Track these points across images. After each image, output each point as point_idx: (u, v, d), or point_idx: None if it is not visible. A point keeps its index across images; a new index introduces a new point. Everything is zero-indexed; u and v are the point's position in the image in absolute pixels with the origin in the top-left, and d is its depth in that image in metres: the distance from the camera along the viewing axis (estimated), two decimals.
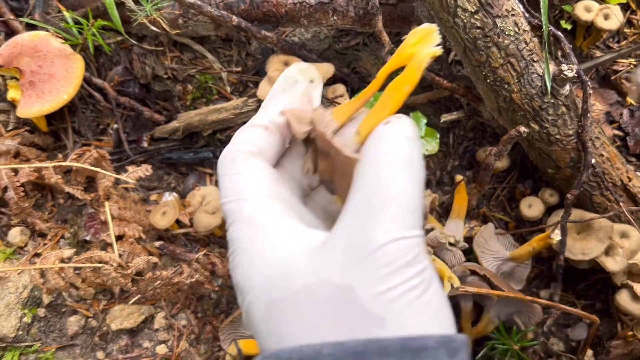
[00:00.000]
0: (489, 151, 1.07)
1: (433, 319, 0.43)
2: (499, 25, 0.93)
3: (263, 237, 0.47)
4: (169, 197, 1.12)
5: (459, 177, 1.12)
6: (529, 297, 0.95)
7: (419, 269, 0.44)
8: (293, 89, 0.58)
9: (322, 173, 0.58)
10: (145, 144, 1.12)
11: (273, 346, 0.44)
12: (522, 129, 0.99)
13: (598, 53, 1.21)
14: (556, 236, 0.98)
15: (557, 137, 1.00)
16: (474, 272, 1.00)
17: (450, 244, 1.00)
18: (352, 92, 1.15)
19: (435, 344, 0.41)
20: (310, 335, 0.42)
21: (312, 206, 0.60)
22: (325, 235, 0.47)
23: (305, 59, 1.11)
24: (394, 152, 0.47)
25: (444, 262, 1.00)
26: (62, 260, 0.85)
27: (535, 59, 0.96)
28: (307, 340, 0.42)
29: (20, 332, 0.94)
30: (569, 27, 1.17)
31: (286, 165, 0.58)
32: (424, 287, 0.43)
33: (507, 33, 0.94)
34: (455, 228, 1.06)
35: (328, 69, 1.11)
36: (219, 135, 1.15)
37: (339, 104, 1.07)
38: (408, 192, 0.45)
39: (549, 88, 0.96)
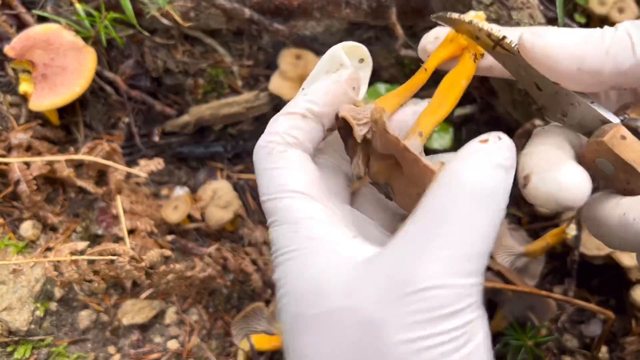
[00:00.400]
0: None
1: None
2: (514, 17, 0.93)
3: (304, 245, 0.44)
4: (180, 191, 1.11)
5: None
6: (544, 292, 0.94)
7: (462, 321, 0.39)
8: (338, 72, 0.53)
9: (376, 175, 0.52)
10: (156, 138, 1.11)
11: None
12: (537, 122, 0.98)
13: None
14: (571, 230, 0.97)
15: None
16: (488, 268, 1.00)
17: None
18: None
19: None
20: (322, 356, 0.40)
21: (362, 197, 0.56)
22: (368, 253, 0.43)
23: (318, 53, 1.11)
24: (481, 183, 0.41)
25: None
26: (76, 253, 0.85)
27: None
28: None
29: (32, 326, 0.94)
30: (582, 20, 1.16)
31: (328, 152, 0.54)
32: (464, 340, 0.39)
33: (522, 25, 0.94)
34: None
35: None
36: (231, 130, 1.14)
37: None
38: (478, 234, 0.40)
39: None
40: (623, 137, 0.47)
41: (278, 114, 0.51)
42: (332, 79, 0.52)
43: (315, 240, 0.44)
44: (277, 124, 0.49)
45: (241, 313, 1.01)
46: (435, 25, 0.66)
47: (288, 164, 0.47)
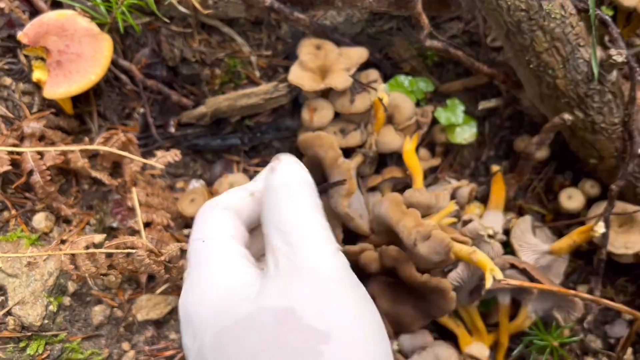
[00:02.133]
0: (529, 140, 1.03)
1: (373, 331, 0.46)
2: (544, 7, 0.90)
3: (213, 272, 0.50)
4: (196, 184, 1.09)
5: (495, 168, 1.09)
6: (572, 291, 0.91)
7: (349, 281, 0.47)
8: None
9: None
10: (172, 129, 1.08)
11: None
12: (567, 116, 0.95)
13: (638, 41, 1.17)
14: (600, 228, 0.94)
15: (602, 125, 0.96)
16: (513, 266, 0.97)
17: (489, 235, 0.96)
18: (385, 77, 1.12)
19: None
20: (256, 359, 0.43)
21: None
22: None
23: (338, 43, 1.08)
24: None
25: None
26: (92, 246, 0.82)
27: (581, 44, 0.92)
28: None
29: (46, 321, 0.91)
30: (610, 13, 1.13)
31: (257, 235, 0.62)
32: (355, 296, 0.46)
33: (553, 16, 0.91)
34: (493, 219, 1.02)
35: (362, 53, 1.07)
36: (248, 122, 1.11)
37: (374, 89, 1.03)
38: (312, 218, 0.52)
39: (595, 74, 0.92)
40: None
41: (234, 187, 0.63)
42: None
43: (224, 265, 0.52)
44: (227, 193, 0.61)
45: None
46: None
47: (220, 218, 0.56)
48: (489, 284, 0.79)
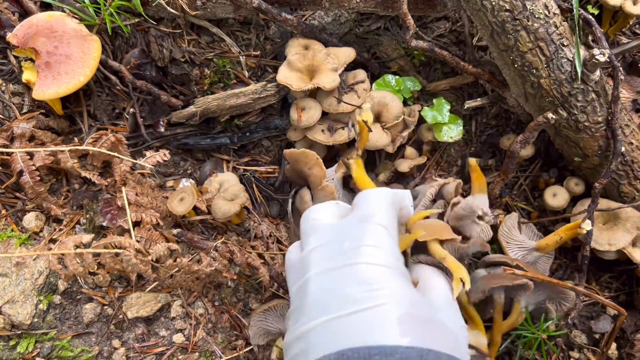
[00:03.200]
0: (514, 139, 1.04)
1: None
2: (528, 7, 0.91)
3: (397, 281, 0.67)
4: (186, 183, 1.10)
5: (472, 161, 1.08)
6: (569, 284, 0.93)
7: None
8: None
9: None
10: (162, 129, 1.09)
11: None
12: (550, 115, 0.96)
13: (624, 39, 1.18)
14: (587, 225, 0.95)
15: (586, 124, 0.98)
16: (504, 264, 0.98)
17: (479, 217, 0.98)
18: (373, 77, 1.13)
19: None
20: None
21: None
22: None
23: (326, 43, 1.08)
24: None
25: (472, 236, 0.97)
26: (81, 246, 0.83)
27: (565, 43, 0.93)
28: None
29: (35, 319, 0.92)
30: (595, 12, 1.14)
31: None
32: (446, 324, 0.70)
33: (536, 16, 0.92)
34: (481, 201, 1.03)
35: (349, 53, 1.08)
36: (237, 121, 1.12)
37: (359, 107, 1.05)
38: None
39: (579, 73, 0.93)
40: None
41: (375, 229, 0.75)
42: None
43: (400, 277, 0.70)
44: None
45: (263, 306, 0.99)
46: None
47: (387, 240, 0.74)
48: (456, 291, 0.79)
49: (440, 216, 1.02)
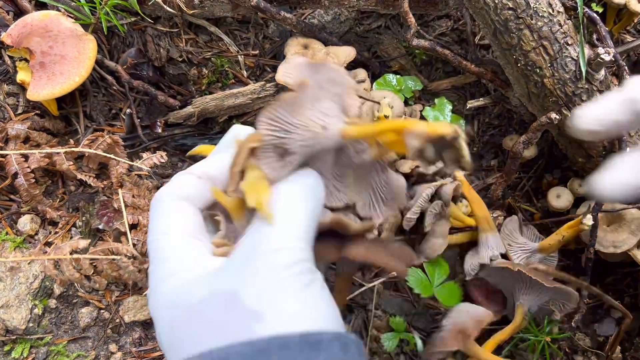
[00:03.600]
0: (517, 139, 1.03)
1: (315, 316, 0.47)
2: (532, 5, 0.89)
3: (174, 267, 0.51)
4: None
5: (459, 176, 1.01)
6: (585, 283, 0.91)
7: (298, 269, 0.48)
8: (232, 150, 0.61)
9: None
10: (159, 130, 1.07)
11: (174, 358, 0.48)
12: (554, 115, 0.94)
13: (629, 38, 1.16)
14: (588, 221, 0.94)
15: None
16: (504, 268, 0.96)
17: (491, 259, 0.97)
18: (373, 76, 1.11)
19: (329, 338, 0.46)
20: (198, 344, 0.46)
21: None
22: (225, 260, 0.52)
23: (325, 42, 1.07)
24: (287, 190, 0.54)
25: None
26: (77, 251, 0.81)
27: (569, 42, 0.92)
28: (194, 350, 0.46)
29: (31, 324, 0.91)
30: (599, 10, 1.13)
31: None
32: (301, 285, 0.48)
33: (540, 14, 0.90)
34: (494, 241, 1.01)
35: (349, 52, 1.07)
36: (235, 121, 1.10)
37: (377, 103, 1.03)
38: (291, 211, 0.52)
39: (583, 72, 0.92)
40: None
41: (179, 172, 0.59)
42: (228, 154, 0.61)
43: (184, 258, 0.52)
44: (175, 180, 0.57)
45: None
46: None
47: (174, 211, 0.55)
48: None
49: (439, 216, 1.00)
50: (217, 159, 0.60)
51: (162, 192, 0.57)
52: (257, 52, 1.10)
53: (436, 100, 1.08)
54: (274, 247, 0.49)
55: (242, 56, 1.10)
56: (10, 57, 1.00)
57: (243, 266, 0.48)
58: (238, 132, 0.63)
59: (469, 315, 0.94)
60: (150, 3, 1.00)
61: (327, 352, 0.45)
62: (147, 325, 1.00)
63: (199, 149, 0.77)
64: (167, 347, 0.50)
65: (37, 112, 1.00)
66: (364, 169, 0.64)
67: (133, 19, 1.04)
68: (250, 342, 0.44)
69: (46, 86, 0.91)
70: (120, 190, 0.96)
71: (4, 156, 0.92)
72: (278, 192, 0.54)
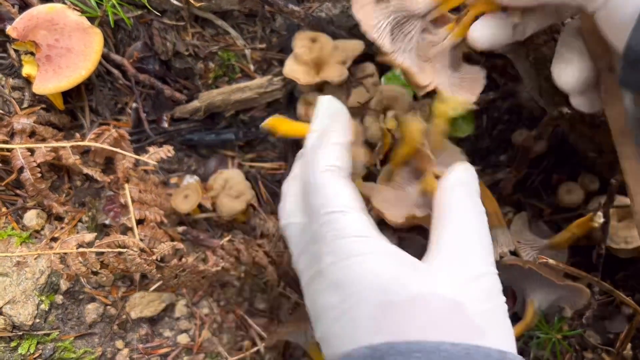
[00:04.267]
0: (527, 134, 1.02)
1: (509, 337, 0.54)
2: None
3: (373, 247, 0.53)
4: (190, 180, 1.07)
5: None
6: (596, 278, 0.90)
7: (504, 298, 0.56)
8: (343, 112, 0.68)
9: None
10: (165, 124, 1.06)
11: (379, 341, 0.49)
12: (565, 110, 0.93)
13: None
14: (599, 218, 0.93)
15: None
16: (514, 265, 0.95)
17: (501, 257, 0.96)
18: (382, 71, 1.10)
19: (513, 357, 0.51)
20: (424, 335, 0.49)
21: None
22: (421, 260, 0.56)
23: (333, 36, 1.06)
24: (466, 199, 0.61)
25: None
26: (83, 245, 0.80)
27: None
28: (421, 338, 0.49)
29: (37, 320, 0.90)
30: None
31: None
32: (505, 311, 0.56)
33: None
34: (503, 238, 1.00)
35: (357, 46, 1.05)
36: (242, 116, 1.09)
37: (383, 115, 1.02)
38: (485, 235, 0.59)
39: None
40: None
41: (324, 144, 0.61)
42: (345, 117, 0.68)
43: (379, 242, 0.55)
44: (330, 153, 0.60)
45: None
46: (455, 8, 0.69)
47: (346, 187, 0.58)
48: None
49: None
50: (338, 128, 0.63)
51: (320, 163, 0.58)
52: (264, 45, 1.09)
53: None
54: (486, 269, 0.56)
55: (249, 50, 1.09)
56: (16, 51, 0.99)
57: (460, 280, 0.53)
58: (329, 104, 0.68)
59: None
60: None
61: None
62: (154, 321, 1.00)
63: (273, 121, 0.74)
64: (367, 328, 0.50)
65: (43, 106, 0.99)
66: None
67: (139, 12, 1.03)
68: (456, 343, 0.48)
69: (52, 80, 0.90)
70: (126, 185, 0.95)
71: (9, 150, 0.91)
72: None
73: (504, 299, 0.56)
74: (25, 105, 0.99)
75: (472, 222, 0.58)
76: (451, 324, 0.50)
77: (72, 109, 1.03)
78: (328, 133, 0.63)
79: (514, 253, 1.01)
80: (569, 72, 0.64)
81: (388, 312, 0.50)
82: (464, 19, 0.65)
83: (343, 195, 0.56)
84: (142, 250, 0.80)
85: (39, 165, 0.91)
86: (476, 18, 0.66)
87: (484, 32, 0.65)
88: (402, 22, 0.61)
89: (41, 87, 0.91)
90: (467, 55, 0.74)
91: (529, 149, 1.01)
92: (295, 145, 1.01)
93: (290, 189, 0.65)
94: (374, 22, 0.61)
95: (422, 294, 0.51)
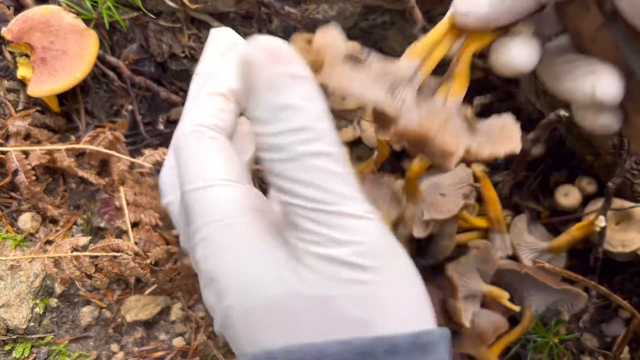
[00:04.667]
0: (525, 137, 1.01)
1: (416, 313, 0.41)
2: None
3: (235, 236, 0.42)
4: None
5: (478, 171, 1.02)
6: (593, 282, 0.90)
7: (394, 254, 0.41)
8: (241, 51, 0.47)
9: None
10: (161, 127, 1.06)
11: (255, 350, 0.40)
12: (563, 112, 0.93)
13: None
14: (600, 222, 0.92)
15: None
16: (511, 270, 0.95)
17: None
18: None
19: (437, 338, 0.39)
20: (282, 339, 0.39)
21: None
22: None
23: None
24: None
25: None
26: (78, 249, 0.80)
27: None
28: (278, 343, 0.39)
29: (32, 324, 0.90)
30: None
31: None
32: (402, 283, 0.41)
33: None
34: (501, 242, 0.99)
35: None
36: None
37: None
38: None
39: None
40: None
41: (194, 94, 0.46)
42: (236, 56, 0.47)
43: (247, 230, 0.42)
44: (201, 107, 0.45)
45: None
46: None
47: (217, 151, 0.44)
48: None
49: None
50: (226, 69, 0.47)
51: (192, 124, 0.44)
52: None
53: None
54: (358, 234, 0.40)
55: None
56: (11, 53, 0.99)
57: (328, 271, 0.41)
58: (221, 39, 0.50)
59: (489, 321, 0.93)
60: None
61: (435, 356, 0.39)
62: (149, 324, 0.99)
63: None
64: (241, 339, 0.41)
65: (38, 108, 0.98)
66: None
67: (135, 14, 1.03)
68: (346, 341, 0.38)
69: (47, 82, 0.90)
70: (121, 188, 0.95)
71: (4, 153, 0.90)
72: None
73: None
74: (20, 107, 0.99)
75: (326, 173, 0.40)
76: (319, 326, 0.40)
77: (67, 111, 1.03)
78: (209, 79, 0.47)
79: (512, 256, 1.01)
80: (604, 82, 0.41)
81: (251, 321, 0.41)
82: (455, 70, 0.48)
83: (209, 165, 0.43)
84: (136, 254, 0.80)
85: (33, 168, 0.91)
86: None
87: (522, 54, 0.47)
88: (392, 89, 0.43)
89: (36, 89, 0.90)
90: None
91: (526, 152, 1.01)
92: None
93: (168, 157, 0.51)
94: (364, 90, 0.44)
95: (280, 296, 0.40)
